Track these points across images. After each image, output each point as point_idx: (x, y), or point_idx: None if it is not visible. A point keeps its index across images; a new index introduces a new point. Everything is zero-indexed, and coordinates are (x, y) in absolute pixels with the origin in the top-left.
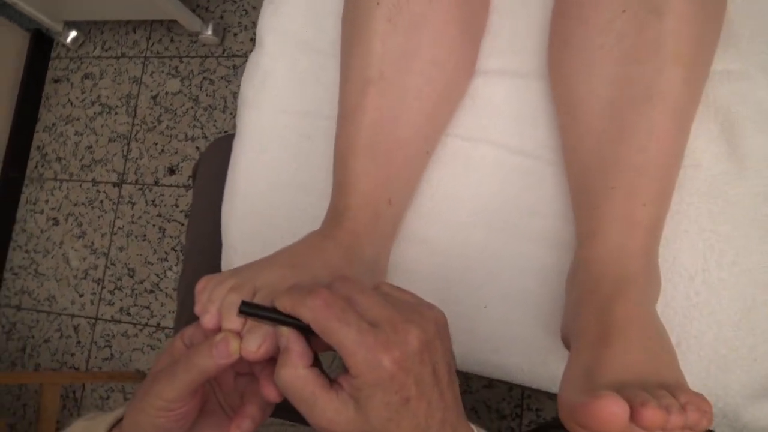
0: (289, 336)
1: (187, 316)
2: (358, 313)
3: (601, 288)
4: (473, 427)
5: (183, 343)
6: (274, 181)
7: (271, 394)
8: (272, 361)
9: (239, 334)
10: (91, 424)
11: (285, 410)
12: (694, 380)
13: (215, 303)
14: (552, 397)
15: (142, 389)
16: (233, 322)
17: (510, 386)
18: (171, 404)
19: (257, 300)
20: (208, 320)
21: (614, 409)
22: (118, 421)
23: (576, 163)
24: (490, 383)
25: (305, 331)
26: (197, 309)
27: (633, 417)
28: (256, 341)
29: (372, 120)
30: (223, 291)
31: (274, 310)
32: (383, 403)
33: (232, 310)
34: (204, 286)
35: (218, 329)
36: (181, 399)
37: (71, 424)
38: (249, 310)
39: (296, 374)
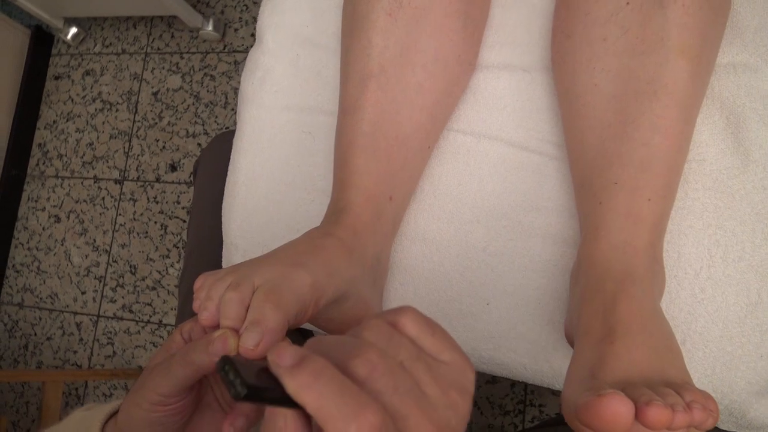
0: (289, 421)
1: (188, 313)
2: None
3: (604, 284)
4: None
5: (182, 338)
6: (274, 178)
7: None
8: None
9: (237, 331)
10: (89, 415)
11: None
12: (699, 377)
13: (213, 300)
14: (555, 393)
15: (137, 383)
16: (231, 319)
17: (513, 382)
18: (166, 399)
19: (256, 297)
20: (205, 317)
21: (619, 407)
22: (115, 413)
23: (579, 158)
24: (494, 379)
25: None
26: (195, 306)
27: (638, 416)
28: (254, 339)
29: (372, 115)
30: (221, 288)
31: (254, 391)
32: None
33: (230, 306)
34: (202, 283)
35: (216, 326)
36: (177, 394)
37: (70, 414)
38: (227, 375)
39: None
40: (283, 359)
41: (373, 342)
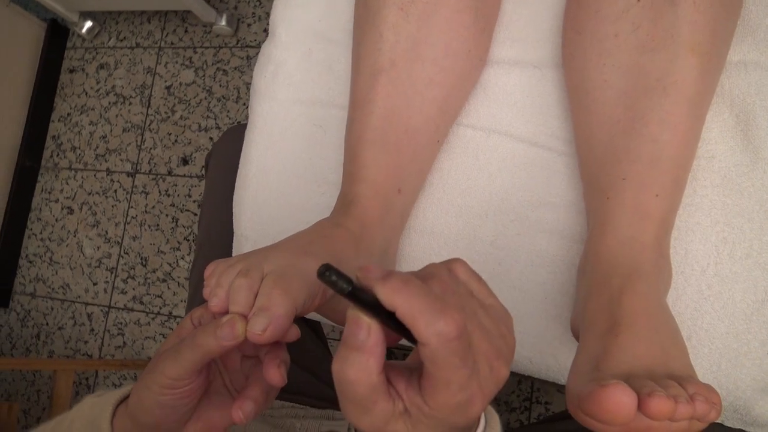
0: (373, 332)
1: (198, 302)
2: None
3: (611, 279)
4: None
5: (192, 324)
6: (285, 171)
7: (275, 378)
8: (277, 344)
9: (245, 317)
10: (100, 401)
11: (296, 393)
12: (704, 374)
13: (223, 287)
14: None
15: (148, 366)
16: (240, 305)
17: (519, 379)
18: (175, 382)
19: (264, 284)
20: (215, 304)
21: (621, 398)
22: (126, 398)
23: (588, 154)
24: None
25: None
26: (205, 292)
27: (640, 406)
28: (261, 324)
29: (383, 109)
30: (231, 275)
31: (356, 290)
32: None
33: (239, 293)
34: (212, 270)
35: (226, 312)
36: (185, 377)
37: (81, 400)
38: (330, 276)
39: (368, 380)
40: (373, 273)
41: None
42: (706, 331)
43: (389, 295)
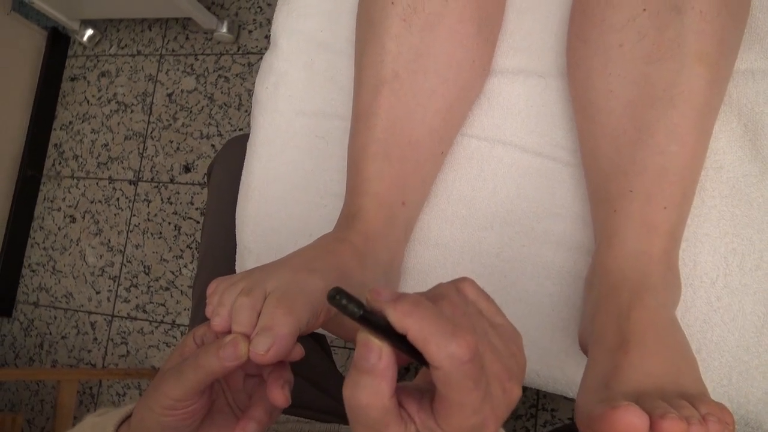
0: (384, 355)
1: (202, 315)
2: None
3: (619, 293)
4: None
5: (194, 342)
6: (288, 183)
7: (278, 400)
8: (280, 363)
9: (248, 337)
10: (101, 420)
11: (301, 407)
12: (715, 387)
13: (226, 306)
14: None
15: (150, 387)
16: (243, 325)
17: (525, 386)
18: (177, 403)
19: (267, 303)
20: (218, 323)
21: (633, 420)
22: (128, 418)
23: (594, 165)
24: None
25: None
26: (208, 311)
27: (652, 428)
28: (264, 344)
29: (386, 121)
30: (233, 294)
31: (366, 313)
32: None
33: (241, 312)
34: (215, 289)
35: (228, 332)
36: (188, 398)
37: (83, 420)
38: (340, 299)
39: (380, 403)
40: (383, 295)
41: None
42: (716, 344)
43: (400, 318)
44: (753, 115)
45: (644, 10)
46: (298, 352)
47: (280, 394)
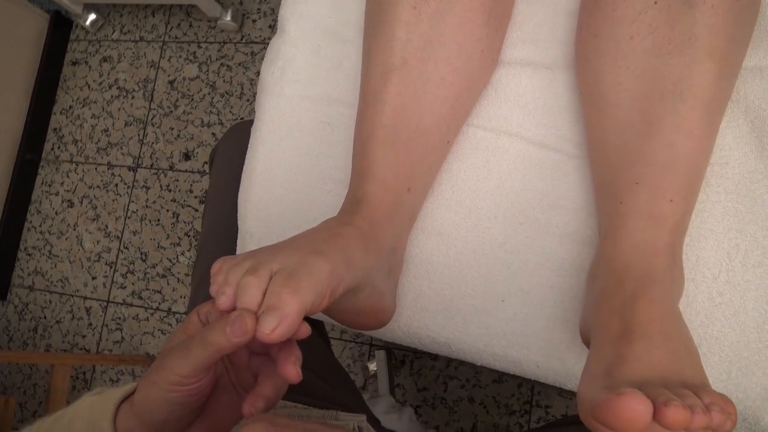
0: None
1: (201, 300)
2: None
3: (623, 284)
4: None
5: (199, 320)
6: (292, 168)
7: (291, 374)
8: (288, 341)
9: (255, 314)
10: (99, 399)
11: (299, 393)
12: (714, 382)
13: (231, 285)
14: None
15: (155, 363)
16: (249, 303)
17: (520, 382)
18: (184, 379)
19: (273, 283)
20: (223, 302)
21: (637, 406)
22: (128, 396)
23: (601, 157)
24: (500, 378)
25: None
26: (212, 290)
27: (656, 416)
28: (271, 323)
29: (393, 107)
30: (239, 273)
31: None
32: None
33: (247, 291)
34: (220, 267)
35: (233, 311)
36: (195, 375)
37: (78, 399)
38: None
39: None
40: None
41: None
42: (717, 339)
43: None
44: (760, 113)
45: (655, 3)
46: (305, 329)
47: (292, 369)
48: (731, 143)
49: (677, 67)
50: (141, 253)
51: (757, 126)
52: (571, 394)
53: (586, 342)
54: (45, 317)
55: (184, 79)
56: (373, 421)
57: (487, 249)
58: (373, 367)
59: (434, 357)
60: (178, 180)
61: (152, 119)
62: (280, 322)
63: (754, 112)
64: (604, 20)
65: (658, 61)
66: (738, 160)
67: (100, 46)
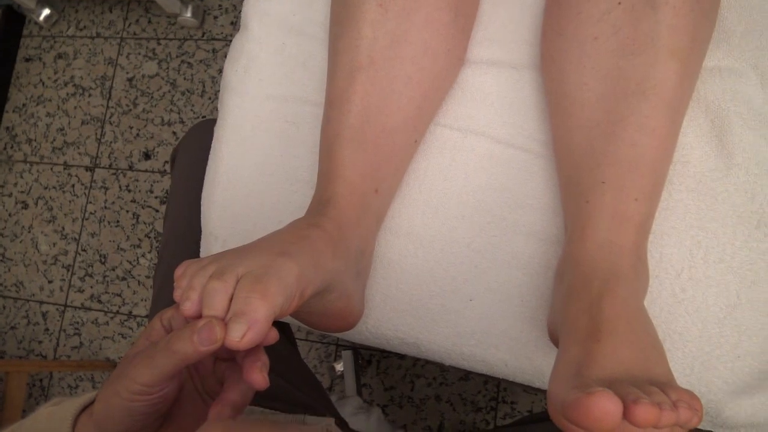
0: None
1: (163, 304)
2: None
3: (590, 283)
4: None
5: (162, 326)
6: (257, 168)
7: (257, 381)
8: (256, 347)
9: (223, 320)
10: (57, 410)
11: (266, 398)
12: (678, 377)
13: (196, 290)
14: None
15: (116, 372)
16: (215, 309)
17: (486, 379)
18: (148, 389)
19: (240, 287)
20: (188, 308)
21: (607, 405)
22: (87, 407)
23: (566, 157)
24: (467, 375)
25: None
26: (176, 295)
27: (625, 414)
28: (239, 330)
29: (360, 107)
30: (203, 277)
31: None
32: None
33: (213, 296)
34: (184, 271)
35: (198, 317)
36: (159, 383)
37: (36, 411)
38: None
39: None
40: None
41: None
42: (680, 334)
43: None
44: (720, 112)
45: (619, 3)
46: (273, 335)
47: (259, 377)
48: (692, 142)
49: (640, 66)
50: (100, 256)
51: (716, 125)
52: (536, 390)
53: (554, 340)
54: None
55: (143, 76)
56: (341, 423)
57: (455, 248)
58: (339, 367)
59: (401, 356)
60: (137, 180)
61: (110, 118)
62: (249, 328)
63: (714, 112)
64: (569, 20)
65: (621, 61)
66: (699, 158)
67: (55, 42)
